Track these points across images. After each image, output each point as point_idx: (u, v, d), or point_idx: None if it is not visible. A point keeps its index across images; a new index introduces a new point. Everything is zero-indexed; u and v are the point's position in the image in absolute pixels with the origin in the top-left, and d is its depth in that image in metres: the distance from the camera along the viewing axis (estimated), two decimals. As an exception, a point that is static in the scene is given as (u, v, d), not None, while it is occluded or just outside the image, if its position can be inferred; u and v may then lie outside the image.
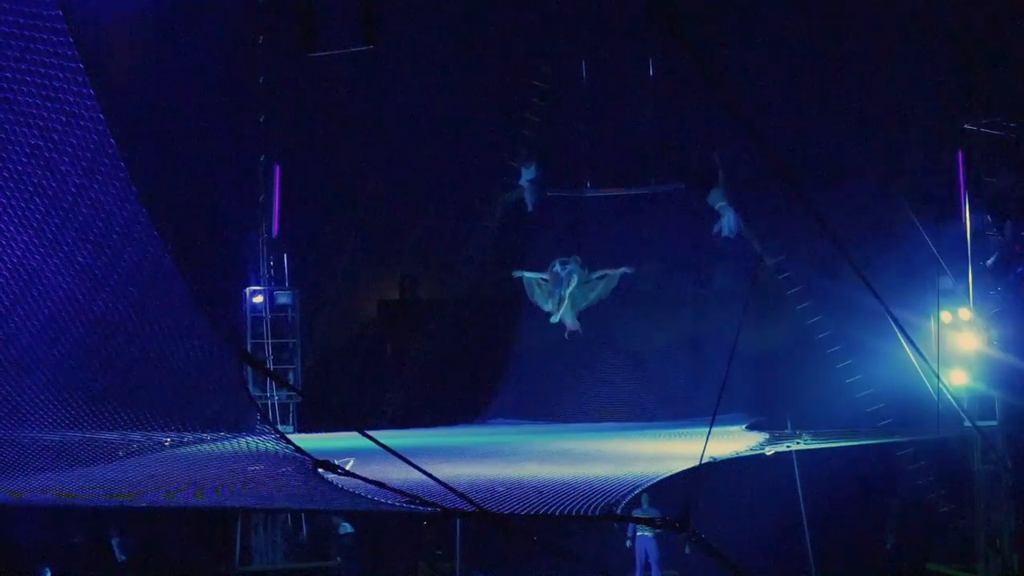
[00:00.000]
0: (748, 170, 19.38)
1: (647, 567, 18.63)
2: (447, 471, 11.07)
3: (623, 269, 20.08)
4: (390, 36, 19.08)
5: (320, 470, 8.68)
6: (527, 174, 20.17)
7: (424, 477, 8.29)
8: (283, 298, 20.62)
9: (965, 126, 17.62)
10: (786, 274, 19.78)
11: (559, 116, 20.68)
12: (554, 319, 19.92)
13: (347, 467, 9.14)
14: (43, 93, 7.78)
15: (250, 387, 17.50)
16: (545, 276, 20.02)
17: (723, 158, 19.61)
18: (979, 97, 17.68)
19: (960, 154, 17.91)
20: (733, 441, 15.58)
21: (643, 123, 20.47)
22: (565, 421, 20.23)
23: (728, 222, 19.68)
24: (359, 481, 8.71)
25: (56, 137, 7.77)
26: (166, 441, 10.70)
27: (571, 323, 19.87)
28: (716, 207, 19.82)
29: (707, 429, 11.13)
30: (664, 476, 12.43)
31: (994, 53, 17.84)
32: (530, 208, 20.34)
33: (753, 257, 19.15)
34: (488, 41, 21.08)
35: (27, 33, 7.32)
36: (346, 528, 19.38)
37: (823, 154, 19.93)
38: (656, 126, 20.51)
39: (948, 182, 18.23)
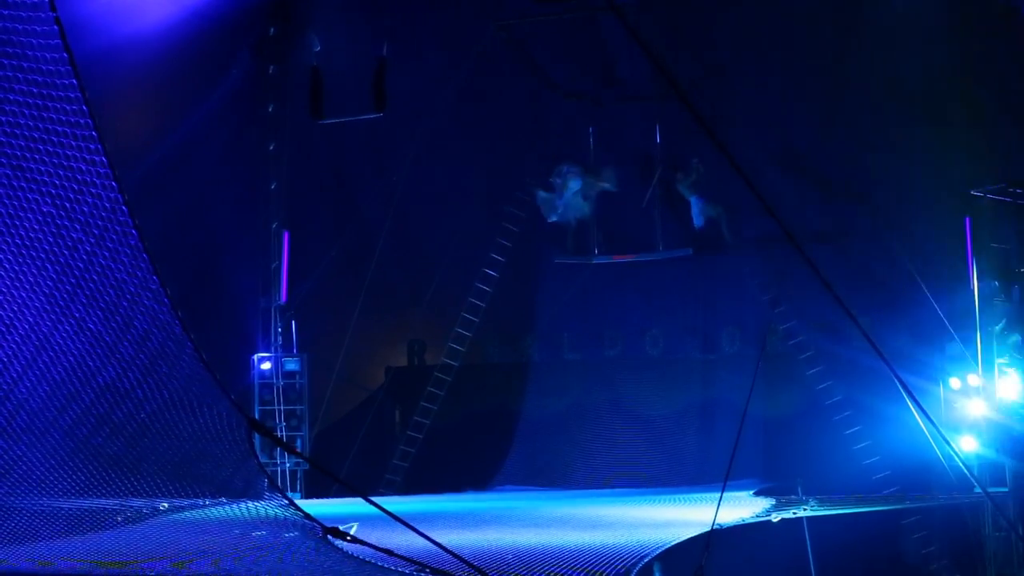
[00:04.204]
0: (756, 232, 19.46)
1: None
2: (455, 539, 11.02)
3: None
4: (399, 104, 19.21)
5: (330, 537, 8.66)
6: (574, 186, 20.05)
7: (431, 544, 8.27)
8: (291, 364, 20.66)
9: (972, 192, 17.66)
10: (797, 339, 19.76)
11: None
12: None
13: (351, 532, 9.11)
14: (55, 161, 7.84)
15: (258, 453, 17.45)
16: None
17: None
18: (986, 163, 17.76)
19: (967, 220, 17.95)
20: (740, 507, 15.51)
21: (650, 188, 20.51)
22: (574, 488, 20.12)
23: (697, 211, 19.76)
24: (368, 548, 8.68)
25: (68, 205, 7.83)
26: (163, 506, 10.64)
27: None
28: (687, 197, 19.89)
29: (718, 495, 11.09)
30: (674, 543, 12.39)
31: (1003, 118, 17.95)
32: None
33: (763, 323, 19.15)
34: (496, 108, 21.21)
35: (40, 103, 7.39)
36: None
37: (829, 218, 20.02)
38: (663, 191, 20.57)
39: (955, 247, 18.25)
